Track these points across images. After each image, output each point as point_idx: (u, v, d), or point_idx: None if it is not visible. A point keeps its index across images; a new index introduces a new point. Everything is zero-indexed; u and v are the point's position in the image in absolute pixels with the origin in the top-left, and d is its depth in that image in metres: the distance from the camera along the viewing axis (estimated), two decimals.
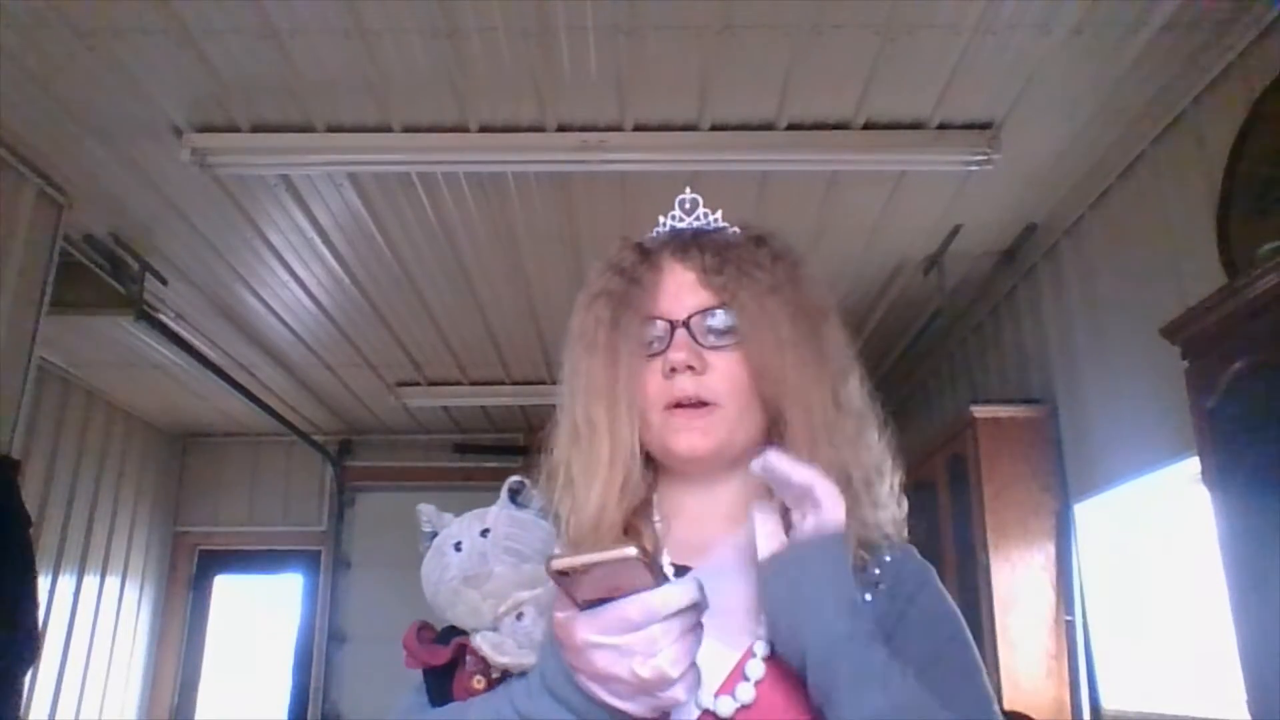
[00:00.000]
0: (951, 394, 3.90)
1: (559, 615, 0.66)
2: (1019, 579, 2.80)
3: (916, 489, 3.37)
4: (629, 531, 0.83)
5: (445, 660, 0.78)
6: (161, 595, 5.12)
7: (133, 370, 4.15)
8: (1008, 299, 3.34)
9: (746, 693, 0.73)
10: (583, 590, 0.65)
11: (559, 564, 0.63)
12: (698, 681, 0.66)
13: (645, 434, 0.83)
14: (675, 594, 0.64)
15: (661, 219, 0.93)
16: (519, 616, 0.77)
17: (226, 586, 5.38)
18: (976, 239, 3.07)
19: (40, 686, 4.01)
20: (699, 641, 0.66)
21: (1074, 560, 2.75)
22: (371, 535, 5.26)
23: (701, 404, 0.81)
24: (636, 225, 0.97)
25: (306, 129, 2.44)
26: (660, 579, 0.64)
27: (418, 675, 0.81)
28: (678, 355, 0.80)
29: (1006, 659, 2.74)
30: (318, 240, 3.03)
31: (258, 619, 5.43)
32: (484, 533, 0.79)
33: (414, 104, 2.36)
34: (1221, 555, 1.69)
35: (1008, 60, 2.19)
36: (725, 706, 0.73)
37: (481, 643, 0.76)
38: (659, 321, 0.83)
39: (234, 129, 2.44)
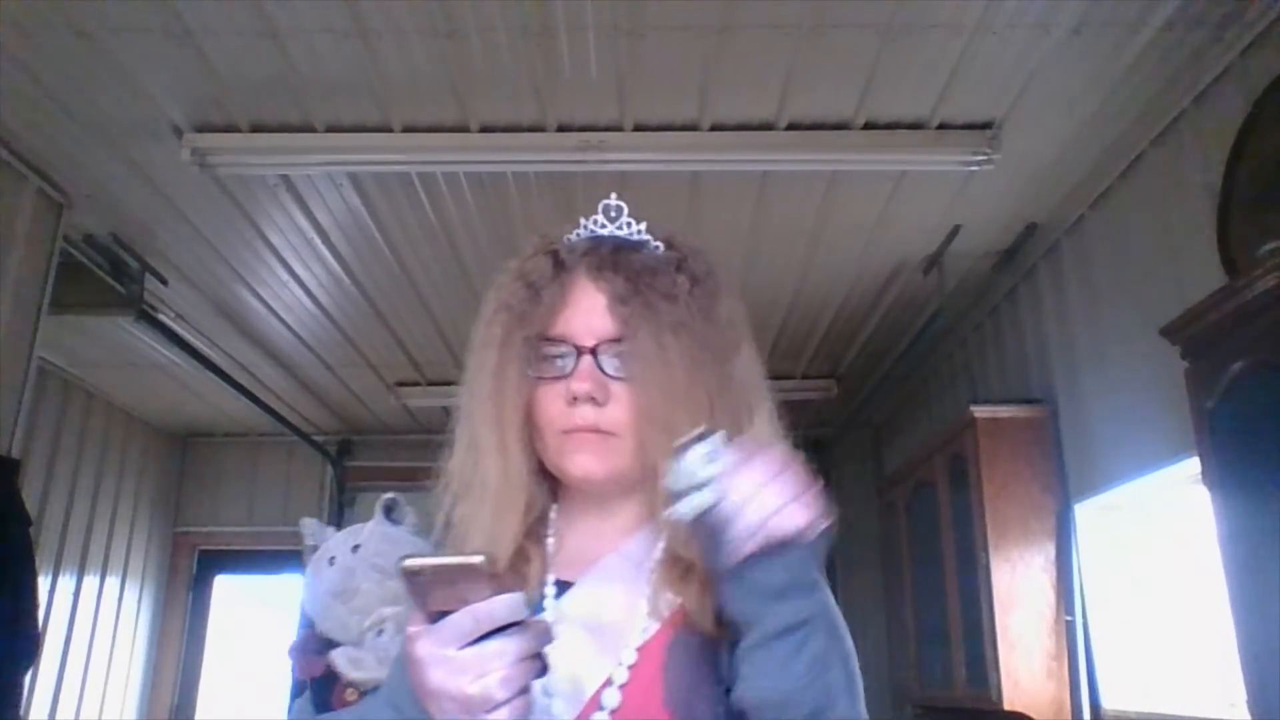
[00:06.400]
0: (951, 394, 3.89)
1: (409, 629, 0.67)
2: (1019, 579, 2.80)
3: (917, 489, 3.40)
4: (519, 554, 0.84)
5: (321, 672, 0.79)
6: (161, 595, 5.12)
7: (133, 370, 4.15)
8: (1008, 299, 3.34)
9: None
10: (433, 600, 0.65)
11: (409, 563, 0.63)
12: (527, 713, 0.66)
13: (542, 453, 0.84)
14: (504, 604, 0.64)
15: (583, 221, 0.91)
16: (380, 632, 0.77)
17: (226, 586, 5.38)
18: (976, 239, 3.07)
19: (40, 686, 4.00)
20: (535, 672, 0.66)
21: (1074, 560, 2.74)
22: None
23: (600, 432, 0.81)
24: None
25: (306, 129, 2.44)
26: (501, 592, 0.65)
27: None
28: (581, 386, 0.80)
29: (1006, 659, 2.74)
30: (318, 240, 3.03)
31: (258, 619, 5.43)
32: (355, 549, 0.79)
33: (414, 104, 2.36)
34: (1221, 555, 1.69)
35: (1008, 60, 2.19)
36: None
37: (338, 657, 0.76)
38: (565, 344, 0.83)
39: (234, 129, 2.44)
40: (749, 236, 3.02)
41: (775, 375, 4.25)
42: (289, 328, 3.79)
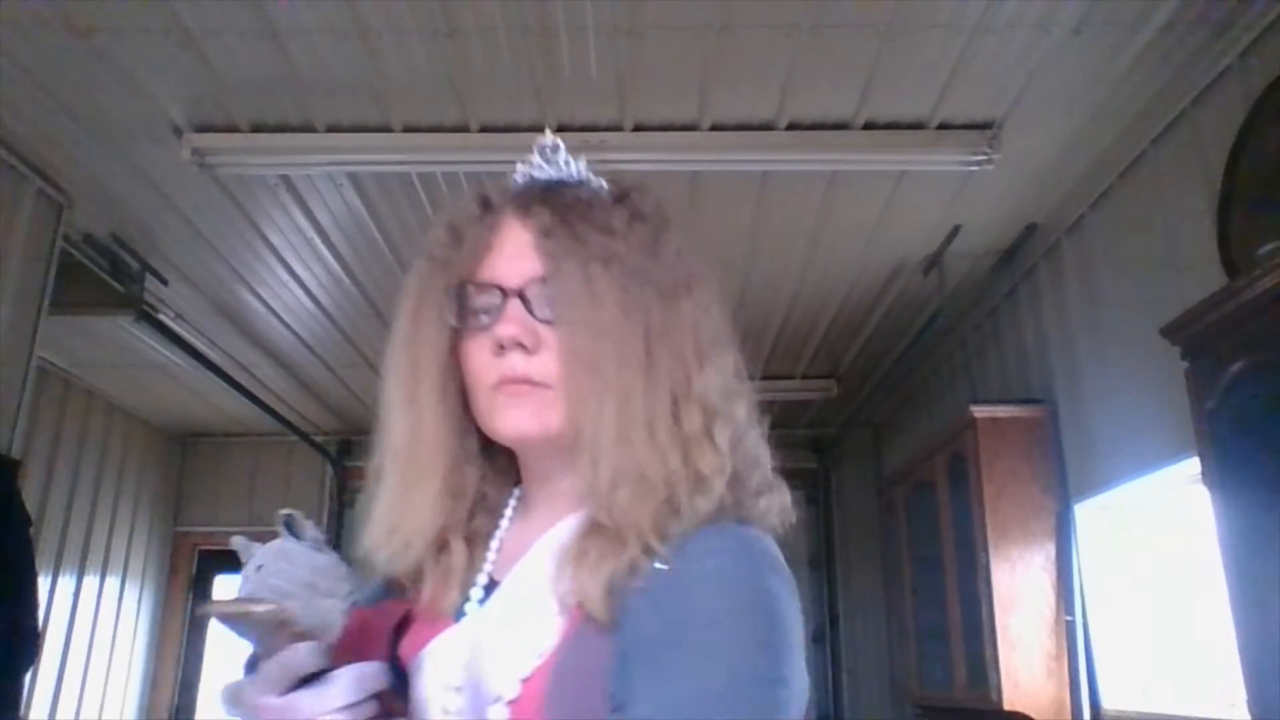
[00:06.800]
0: (951, 394, 3.89)
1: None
2: (1019, 579, 2.80)
3: (916, 489, 3.41)
4: (443, 548, 0.76)
5: None
6: (161, 595, 5.12)
7: (133, 370, 4.15)
8: (1008, 299, 3.34)
9: None
10: (260, 644, 0.62)
11: (206, 609, 0.63)
12: None
13: (477, 418, 0.74)
14: (302, 652, 0.60)
15: (520, 165, 0.81)
16: None
17: (226, 586, 5.38)
18: (976, 239, 3.07)
19: (40, 686, 4.00)
20: (368, 716, 0.60)
21: (1074, 560, 2.75)
22: None
23: (532, 383, 0.71)
24: None
25: (306, 129, 2.44)
26: (303, 638, 0.61)
27: None
28: (506, 330, 0.70)
29: (1006, 659, 2.74)
30: (318, 240, 3.03)
31: None
32: (259, 569, 0.75)
33: (414, 104, 2.36)
34: (1221, 555, 1.69)
35: (1008, 60, 2.19)
36: None
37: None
38: (492, 289, 0.72)
39: (234, 129, 2.44)
40: (749, 236, 3.02)
41: (775, 375, 4.29)
42: (289, 328, 3.79)
